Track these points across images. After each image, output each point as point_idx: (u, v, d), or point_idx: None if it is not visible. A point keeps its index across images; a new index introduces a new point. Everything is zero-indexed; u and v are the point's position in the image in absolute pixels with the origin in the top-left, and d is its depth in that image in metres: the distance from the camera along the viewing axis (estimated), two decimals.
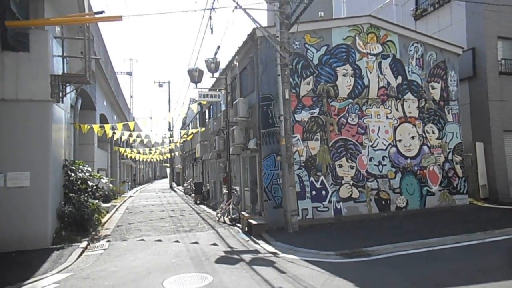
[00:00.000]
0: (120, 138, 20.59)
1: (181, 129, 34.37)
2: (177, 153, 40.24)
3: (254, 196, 12.02)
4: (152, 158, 35.80)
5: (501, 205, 12.52)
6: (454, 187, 12.62)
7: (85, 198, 10.00)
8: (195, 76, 11.83)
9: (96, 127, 12.94)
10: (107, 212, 14.69)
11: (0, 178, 8.44)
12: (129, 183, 35.07)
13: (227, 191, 12.35)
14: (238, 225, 11.01)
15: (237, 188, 13.15)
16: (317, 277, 5.82)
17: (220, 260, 7.10)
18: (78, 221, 9.59)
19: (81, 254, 8.07)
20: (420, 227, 9.58)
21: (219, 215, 12.27)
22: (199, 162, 23.13)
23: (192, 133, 23.85)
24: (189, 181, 25.35)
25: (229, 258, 7.35)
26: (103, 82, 20.06)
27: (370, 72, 11.86)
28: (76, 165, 10.49)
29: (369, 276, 5.94)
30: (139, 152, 29.19)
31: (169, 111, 40.31)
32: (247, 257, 7.31)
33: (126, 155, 30.64)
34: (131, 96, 45.62)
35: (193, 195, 20.60)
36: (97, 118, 18.45)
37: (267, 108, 10.80)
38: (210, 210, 15.45)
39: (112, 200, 21.12)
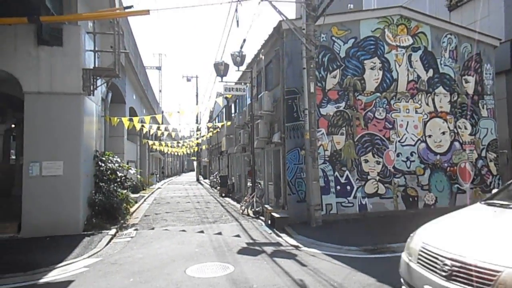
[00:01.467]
0: (149, 131, 21.13)
1: (208, 122, 34.79)
2: (204, 147, 40.82)
3: (278, 190, 12.03)
4: (179, 151, 36.49)
5: None
6: (487, 185, 12.07)
7: (114, 187, 10.37)
8: (221, 69, 11.93)
9: (125, 120, 13.36)
10: (136, 202, 15.16)
11: (36, 167, 8.89)
12: (157, 175, 35.98)
13: (251, 185, 12.42)
14: (262, 218, 11.06)
15: (261, 181, 13.20)
16: (338, 271, 5.78)
17: (242, 251, 7.18)
18: (107, 210, 9.96)
19: (110, 241, 8.40)
20: None
21: (243, 207, 12.38)
22: (224, 155, 23.38)
23: (218, 127, 24.11)
24: (215, 174, 25.72)
25: (251, 249, 7.41)
26: (132, 76, 20.60)
27: (399, 65, 11.51)
28: (106, 156, 10.88)
29: (392, 272, 5.81)
30: (166, 145, 29.80)
31: (197, 104, 40.94)
32: (269, 249, 7.35)
33: (155, 148, 31.46)
34: (160, 91, 46.58)
35: (218, 188, 20.88)
36: (126, 111, 19.00)
37: (292, 101, 10.73)
38: (234, 203, 15.61)
39: (140, 191, 21.77)
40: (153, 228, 9.93)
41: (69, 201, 8.99)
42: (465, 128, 12.06)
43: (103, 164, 10.54)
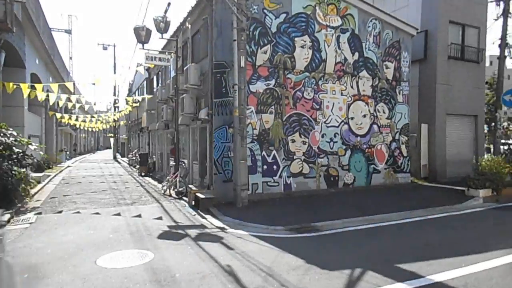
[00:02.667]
0: (57, 102, 18.67)
1: (127, 96, 32.29)
2: (122, 123, 38.02)
3: (203, 169, 11.47)
4: (94, 127, 33.48)
5: (438, 184, 13.22)
6: (398, 166, 13.03)
7: (9, 166, 8.77)
8: (142, 35, 10.71)
9: (24, 87, 11.38)
10: (39, 182, 13.31)
11: None
12: (68, 153, 32.62)
13: (174, 163, 11.64)
14: (185, 198, 10.45)
15: (185, 160, 12.49)
16: (267, 254, 5.52)
17: (163, 236, 6.55)
18: (0, 192, 8.40)
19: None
20: (366, 204, 9.72)
21: (164, 188, 11.58)
22: (145, 132, 21.90)
23: (138, 101, 22.41)
24: (134, 152, 24.05)
25: (173, 233, 6.82)
26: (34, 36, 17.79)
27: (328, 46, 11.57)
28: None
29: (320, 252, 5.77)
30: (77, 119, 26.93)
31: (114, 73, 37.65)
32: (193, 232, 6.84)
33: (65, 122, 28.19)
34: (70, 58, 41.78)
35: (138, 166, 19.52)
36: (27, 77, 16.40)
37: (221, 76, 10.12)
38: (155, 183, 14.65)
39: (46, 170, 19.36)
40: (59, 212, 8.67)
41: None
42: (383, 112, 12.75)
43: None
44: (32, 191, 11.13)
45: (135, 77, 27.00)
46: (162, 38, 11.09)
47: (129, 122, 33.56)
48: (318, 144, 11.48)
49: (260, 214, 8.36)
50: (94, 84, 47.02)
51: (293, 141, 11.06)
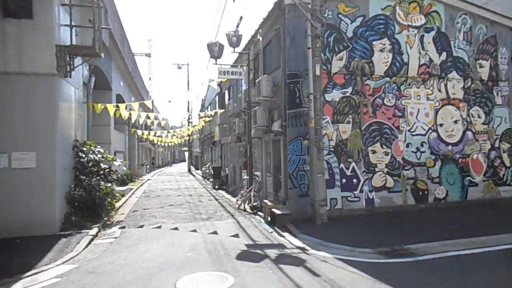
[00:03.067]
0: (138, 120, 19.98)
1: (200, 111, 33.60)
2: (195, 137, 39.68)
3: (277, 183, 11.09)
4: (170, 141, 35.34)
5: None
6: (500, 178, 11.30)
7: (97, 181, 9.29)
8: (215, 51, 10.82)
9: (110, 107, 12.21)
10: (123, 195, 14.11)
11: (4, 158, 7.77)
12: (148, 166, 34.82)
13: (247, 177, 11.46)
14: (260, 213, 10.13)
15: (259, 174, 12.24)
16: (360, 284, 4.86)
17: (241, 256, 6.23)
18: (89, 206, 8.91)
19: (90, 243, 7.38)
20: (465, 222, 8.46)
21: (239, 202, 11.42)
22: (217, 145, 22.35)
23: (210, 115, 23.02)
24: (207, 165, 24.69)
25: (252, 253, 6.47)
26: (119, 61, 19.34)
27: (411, 47, 10.55)
28: (88, 146, 9.77)
29: (423, 283, 4.93)
30: (155, 135, 28.60)
31: (188, 90, 39.59)
32: (272, 253, 6.42)
33: (145, 138, 30.17)
34: (150, 79, 45.18)
35: (211, 179, 19.88)
36: (113, 98, 17.80)
37: (294, 86, 9.73)
38: (229, 196, 14.65)
39: (129, 183, 20.68)
40: (140, 226, 8.91)
41: (44, 197, 7.91)
42: (479, 117, 11.22)
43: (84, 155, 9.43)
44: (117, 205, 11.74)
45: (207, 93, 27.98)
46: (234, 52, 11.11)
47: (202, 136, 34.83)
48: (403, 154, 10.42)
49: (342, 233, 7.67)
50: (170, 101, 50.31)
51: (374, 152, 10.18)
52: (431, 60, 10.75)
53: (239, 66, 11.39)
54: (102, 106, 12.43)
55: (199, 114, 25.50)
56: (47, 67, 7.96)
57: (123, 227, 8.84)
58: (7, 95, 7.84)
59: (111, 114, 13.07)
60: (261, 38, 12.10)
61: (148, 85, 43.97)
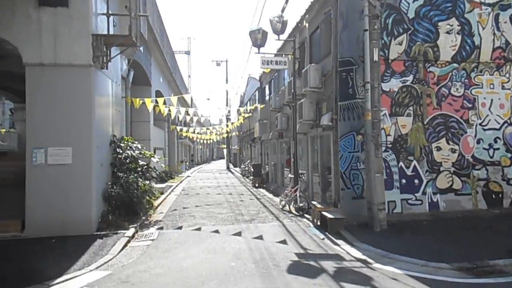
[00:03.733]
0: (177, 116, 19.64)
1: (239, 107, 33.09)
2: (234, 134, 39.28)
3: (326, 183, 10.10)
4: (209, 139, 35.20)
5: None
6: None
7: (135, 178, 8.80)
8: (257, 38, 10.00)
9: (148, 101, 11.80)
10: (162, 193, 13.73)
11: (41, 154, 7.42)
12: (187, 163, 34.87)
13: (292, 176, 10.55)
14: (307, 216, 9.20)
15: (304, 172, 11.29)
16: None
17: (293, 269, 5.36)
18: (126, 204, 8.43)
19: (126, 245, 6.83)
20: None
21: (283, 202, 10.55)
22: (257, 142, 21.60)
23: (250, 110, 22.32)
24: (246, 163, 24.05)
25: (305, 265, 5.58)
26: (158, 56, 19.07)
27: (483, 28, 9.13)
28: (125, 142, 9.32)
29: None
30: (194, 132, 28.45)
31: (226, 90, 39.28)
32: (329, 266, 5.48)
33: (184, 135, 30.15)
34: (189, 76, 45.32)
35: (251, 177, 19.17)
36: (152, 94, 17.54)
37: (347, 75, 8.69)
38: (271, 196, 13.82)
39: (168, 180, 20.48)
40: (179, 228, 8.30)
41: (80, 195, 7.49)
42: None
43: (121, 151, 8.99)
44: (156, 203, 11.29)
45: (247, 89, 27.32)
46: (278, 39, 10.23)
47: (241, 133, 34.31)
48: (473, 152, 9.07)
49: (408, 243, 6.59)
50: (208, 99, 50.49)
51: (439, 148, 8.92)
52: (507, 43, 9.26)
53: (283, 55, 10.49)
54: (140, 101, 12.05)
55: (238, 110, 24.90)
56: (82, 58, 7.52)
57: (161, 228, 8.28)
58: (43, 88, 7.48)
59: (150, 109, 12.66)
60: (307, 25, 11.13)
61: (188, 82, 44.13)
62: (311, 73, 9.68)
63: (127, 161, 9.04)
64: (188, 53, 47.11)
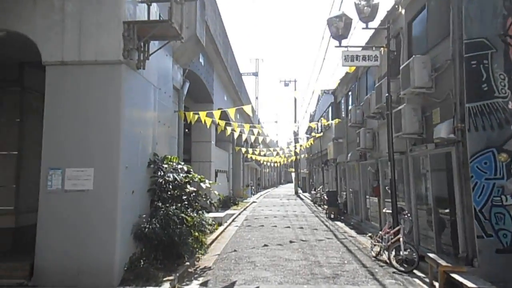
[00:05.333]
0: (242, 137, 17.76)
1: (308, 128, 30.60)
2: (303, 156, 36.69)
3: (441, 223, 7.05)
4: (277, 160, 33.11)
5: None
6: None
7: (178, 209, 6.73)
8: (338, 28, 7.59)
9: (203, 115, 9.95)
10: (220, 224, 11.62)
11: (57, 176, 5.72)
12: (253, 187, 32.92)
13: (389, 211, 7.64)
14: (418, 274, 6.24)
15: (403, 204, 8.29)
16: None
17: None
18: (165, 245, 6.36)
19: None
20: None
21: (376, 248, 7.64)
22: (331, 165, 18.73)
23: (321, 128, 19.71)
24: (319, 189, 21.19)
25: None
26: (222, 72, 17.58)
27: None
28: (169, 162, 7.38)
29: None
30: (260, 154, 26.48)
31: (295, 110, 37.15)
32: None
33: (250, 157, 28.36)
34: (256, 98, 44.18)
35: (325, 207, 16.29)
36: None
37: (478, 63, 5.82)
38: (353, 233, 10.89)
39: (231, 207, 18.51)
40: (233, 284, 5.94)
41: (100, 233, 5.58)
42: None
43: (162, 174, 7.03)
44: (210, 238, 9.16)
45: (318, 106, 24.79)
46: (366, 28, 7.68)
47: (311, 155, 31.56)
48: None
49: None
50: (276, 122, 48.78)
51: None
52: None
53: (373, 48, 7.90)
54: (195, 116, 10.22)
55: (309, 125, 22.36)
56: (111, 53, 5.79)
57: (205, 284, 5.97)
58: (64, 93, 5.88)
59: (207, 124, 10.78)
60: (403, 11, 8.44)
61: (255, 104, 42.92)
62: (415, 67, 6.91)
63: (170, 186, 7.04)
64: (256, 74, 46.26)
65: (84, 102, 5.84)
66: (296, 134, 29.24)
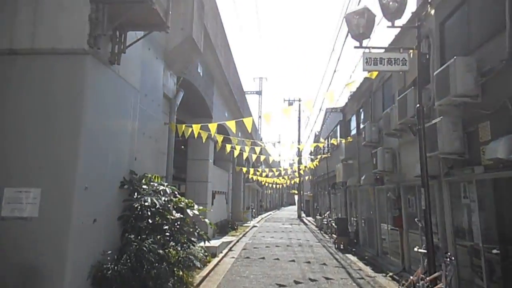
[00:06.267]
0: (241, 154, 16.36)
1: (314, 142, 29.25)
2: (306, 178, 35.13)
3: (489, 264, 5.51)
4: (280, 182, 31.63)
5: None
6: None
7: (155, 244, 5.25)
8: (359, 25, 6.31)
9: (197, 128, 8.58)
10: (214, 255, 10.07)
11: None
12: (254, 210, 31.22)
13: (423, 251, 6.10)
14: None
15: (437, 242, 6.74)
16: None
17: None
18: None
19: None
20: None
21: None
22: (339, 189, 17.20)
23: (328, 148, 18.33)
24: (325, 214, 19.54)
25: None
26: (223, 86, 16.38)
27: None
28: (149, 183, 5.96)
29: None
30: (262, 175, 25.07)
31: (298, 131, 35.84)
32: None
33: (252, 178, 26.87)
34: (259, 117, 43.01)
35: (333, 235, 14.67)
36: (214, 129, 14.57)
37: None
38: (369, 270, 9.29)
39: (229, 232, 16.90)
40: None
41: (46, 278, 4.12)
42: None
43: (139, 196, 5.60)
44: (200, 276, 7.61)
45: (324, 126, 23.46)
46: (392, 26, 6.40)
47: (315, 177, 30.00)
48: None
49: None
50: (279, 142, 47.48)
51: None
52: None
53: (400, 50, 6.58)
54: (190, 130, 8.88)
55: (314, 148, 20.96)
56: (72, 39, 4.51)
57: None
58: (11, 88, 4.56)
59: (202, 138, 9.42)
60: (432, 11, 7.19)
61: (258, 123, 41.72)
62: (457, 72, 5.56)
63: (148, 213, 5.59)
64: (259, 93, 45.36)
65: (36, 101, 4.52)
66: (299, 153, 27.80)
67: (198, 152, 14.23)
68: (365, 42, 6.56)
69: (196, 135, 8.68)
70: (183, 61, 9.49)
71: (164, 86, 8.63)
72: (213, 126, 8.79)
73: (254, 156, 17.21)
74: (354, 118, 14.94)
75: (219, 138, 10.40)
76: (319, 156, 21.10)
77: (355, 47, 6.47)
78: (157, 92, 8.03)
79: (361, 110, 13.78)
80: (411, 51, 6.52)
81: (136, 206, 5.53)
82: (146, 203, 5.55)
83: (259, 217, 31.61)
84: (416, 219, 7.11)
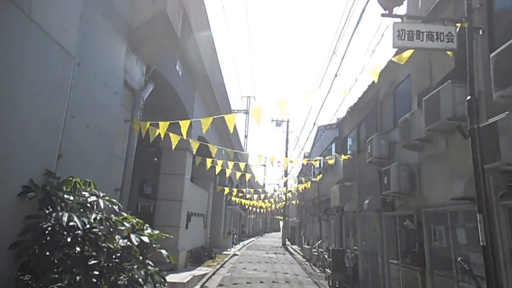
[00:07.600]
0: (224, 171, 14.30)
1: (301, 169, 27.37)
2: (293, 202, 33.12)
3: None
4: (264, 206, 29.51)
5: None
6: None
7: None
8: None
9: (164, 126, 6.59)
10: None
11: None
12: (235, 236, 28.78)
13: None
14: None
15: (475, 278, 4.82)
16: None
17: None
18: None
19: None
20: None
21: None
22: (333, 215, 15.21)
23: (320, 166, 16.52)
24: (316, 244, 17.42)
25: None
26: (206, 93, 14.59)
27: None
28: (71, 190, 3.90)
29: None
30: (246, 196, 22.97)
31: (286, 153, 34.07)
32: None
33: (235, 200, 24.69)
34: (246, 136, 41.23)
35: (326, 270, 12.56)
36: (194, 138, 12.55)
37: None
38: None
39: (205, 262, 14.60)
40: None
41: None
42: None
43: (52, 211, 3.54)
44: None
45: (315, 145, 21.70)
46: None
47: (302, 202, 27.96)
48: None
49: None
50: (264, 165, 45.56)
51: None
52: None
53: (444, 22, 4.86)
54: (157, 131, 6.89)
55: (301, 170, 19.08)
56: None
57: None
58: None
59: (172, 143, 7.41)
60: None
61: (244, 142, 39.85)
62: None
63: (67, 239, 3.50)
64: (246, 112, 43.79)
65: None
66: (286, 174, 25.92)
67: (173, 166, 12.12)
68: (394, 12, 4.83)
69: (162, 136, 6.67)
70: (155, 46, 7.66)
71: (127, 72, 6.73)
72: (184, 124, 6.79)
73: (238, 174, 15.20)
74: (354, 134, 13.21)
75: (195, 146, 8.43)
76: (307, 182, 19.21)
77: (383, 14, 4.74)
78: (114, 76, 6.11)
79: (362, 123, 12.06)
80: (458, 24, 4.80)
81: (45, 226, 3.44)
82: (63, 223, 3.47)
83: (241, 244, 29.13)
84: (459, 259, 5.18)
